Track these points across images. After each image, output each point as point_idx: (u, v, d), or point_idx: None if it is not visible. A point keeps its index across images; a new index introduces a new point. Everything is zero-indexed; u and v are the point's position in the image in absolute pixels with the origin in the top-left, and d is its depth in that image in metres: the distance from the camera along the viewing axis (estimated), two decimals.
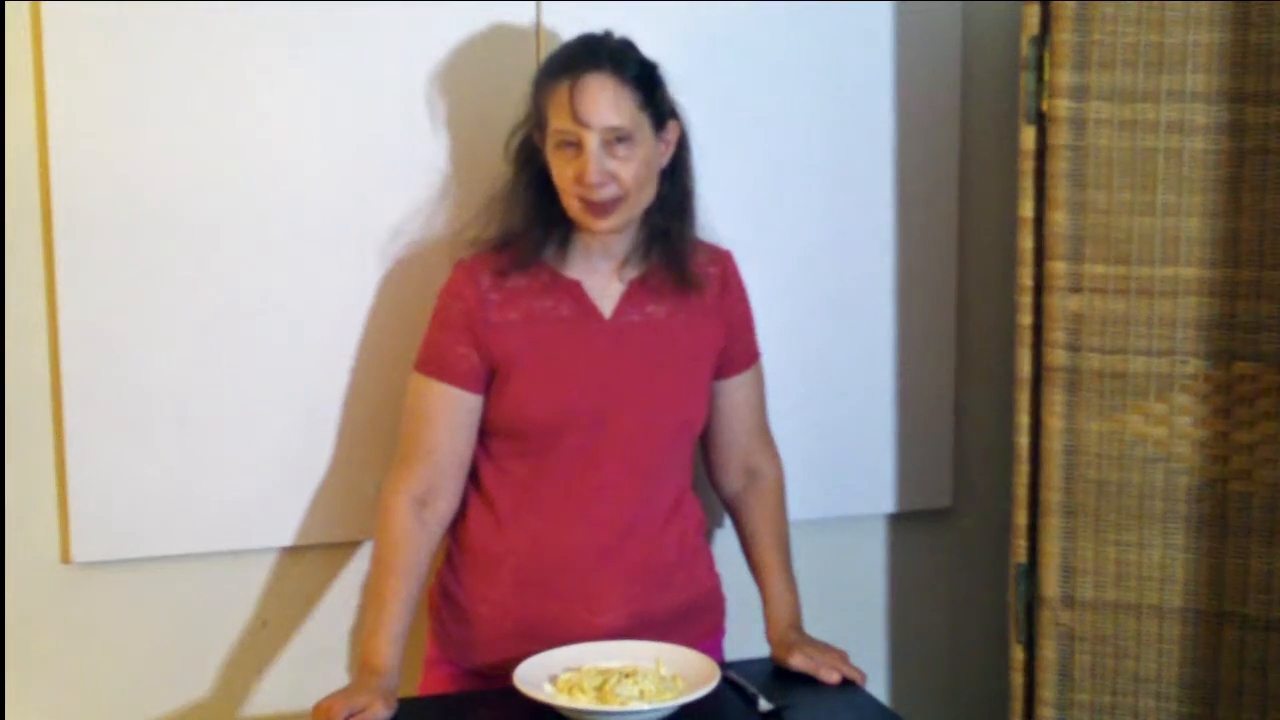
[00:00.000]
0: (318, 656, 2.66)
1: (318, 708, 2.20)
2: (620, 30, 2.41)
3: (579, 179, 2.30)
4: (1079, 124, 2.48)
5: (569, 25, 2.51)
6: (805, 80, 2.75)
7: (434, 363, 2.39)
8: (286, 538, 2.59)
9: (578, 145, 2.30)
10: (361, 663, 2.32)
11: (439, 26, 2.55)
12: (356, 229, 2.55)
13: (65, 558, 2.51)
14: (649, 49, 2.42)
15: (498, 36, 2.58)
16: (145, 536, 2.52)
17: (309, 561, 2.63)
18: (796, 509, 2.70)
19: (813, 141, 2.77)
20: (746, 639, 2.57)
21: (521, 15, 2.58)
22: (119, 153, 2.44)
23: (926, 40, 2.82)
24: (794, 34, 2.73)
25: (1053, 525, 2.55)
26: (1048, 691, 2.59)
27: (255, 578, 2.61)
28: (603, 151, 2.29)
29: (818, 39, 2.75)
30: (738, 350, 2.52)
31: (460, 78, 2.57)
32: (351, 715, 2.18)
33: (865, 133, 2.81)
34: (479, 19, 2.57)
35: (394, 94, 2.55)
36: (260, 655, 2.63)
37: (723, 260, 2.52)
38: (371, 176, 2.55)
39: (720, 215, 2.63)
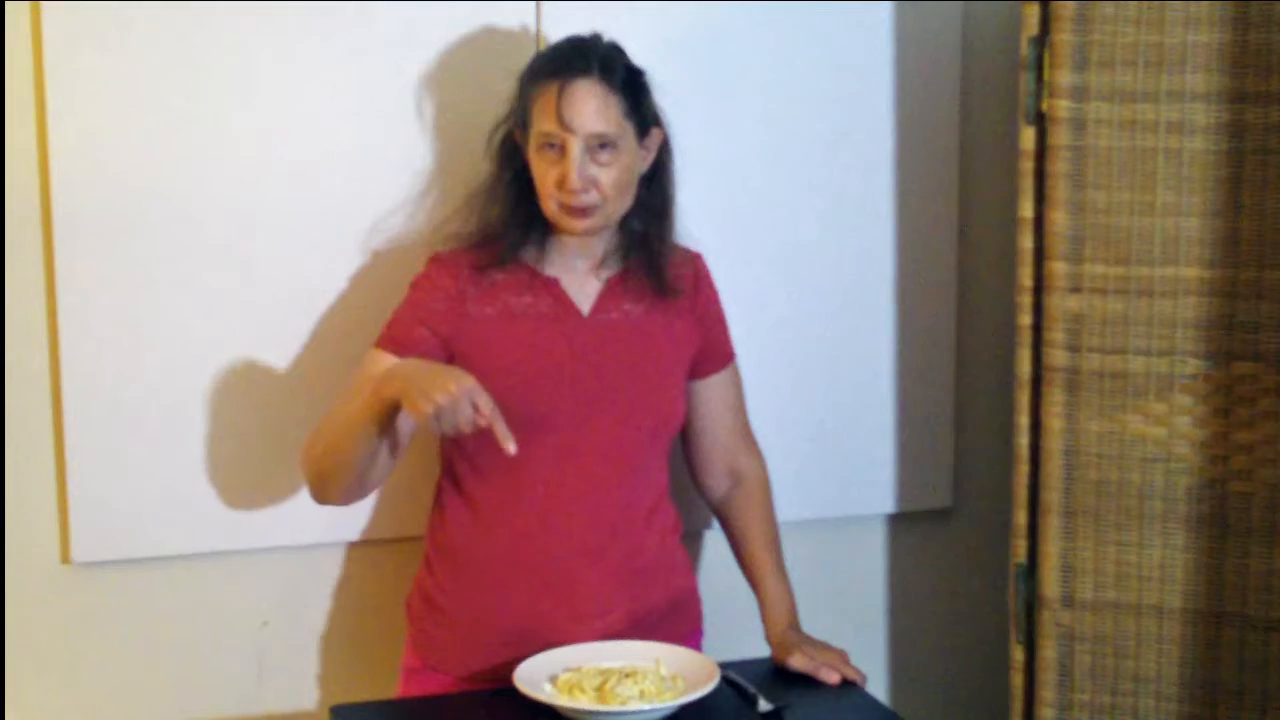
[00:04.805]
0: (317, 656, 2.66)
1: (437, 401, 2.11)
2: (619, 29, 2.41)
3: (560, 183, 2.30)
4: (1079, 124, 2.47)
5: (568, 26, 2.51)
6: (805, 80, 2.75)
7: (390, 340, 2.36)
8: (287, 538, 2.59)
9: (561, 148, 2.30)
10: (384, 378, 2.21)
11: (440, 27, 2.55)
12: (362, 230, 2.55)
13: (65, 558, 2.51)
14: (648, 49, 2.42)
15: (497, 38, 2.58)
16: (145, 536, 2.52)
17: (309, 561, 2.63)
18: (796, 509, 2.69)
19: (812, 141, 2.77)
20: (741, 639, 2.57)
21: (521, 17, 2.58)
22: (119, 153, 2.44)
23: (926, 40, 2.82)
24: (793, 34, 2.73)
25: (1052, 525, 2.55)
26: (1048, 691, 2.59)
27: (255, 578, 2.61)
28: (585, 157, 2.29)
29: (817, 39, 2.75)
30: (713, 350, 2.52)
31: (461, 79, 2.56)
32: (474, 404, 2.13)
33: (865, 133, 2.81)
34: (479, 19, 2.57)
35: (396, 95, 2.55)
36: (260, 655, 2.63)
37: (693, 261, 2.52)
38: (376, 180, 2.55)
39: (718, 215, 2.63)
